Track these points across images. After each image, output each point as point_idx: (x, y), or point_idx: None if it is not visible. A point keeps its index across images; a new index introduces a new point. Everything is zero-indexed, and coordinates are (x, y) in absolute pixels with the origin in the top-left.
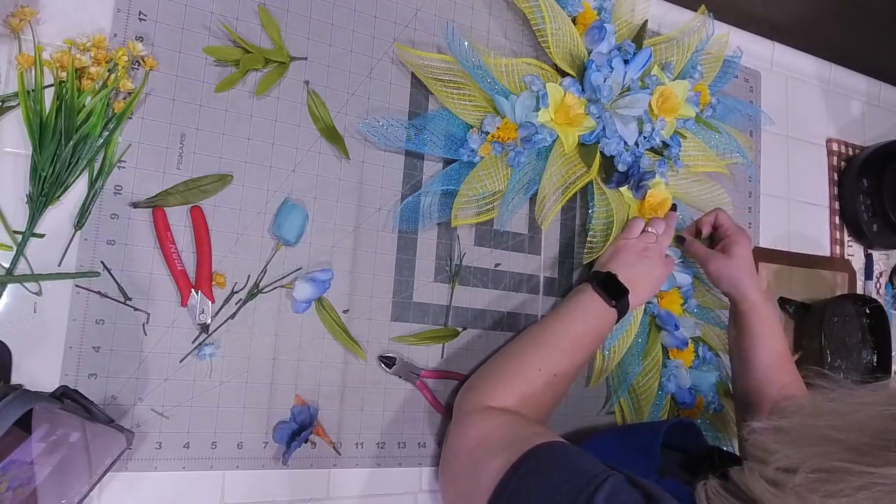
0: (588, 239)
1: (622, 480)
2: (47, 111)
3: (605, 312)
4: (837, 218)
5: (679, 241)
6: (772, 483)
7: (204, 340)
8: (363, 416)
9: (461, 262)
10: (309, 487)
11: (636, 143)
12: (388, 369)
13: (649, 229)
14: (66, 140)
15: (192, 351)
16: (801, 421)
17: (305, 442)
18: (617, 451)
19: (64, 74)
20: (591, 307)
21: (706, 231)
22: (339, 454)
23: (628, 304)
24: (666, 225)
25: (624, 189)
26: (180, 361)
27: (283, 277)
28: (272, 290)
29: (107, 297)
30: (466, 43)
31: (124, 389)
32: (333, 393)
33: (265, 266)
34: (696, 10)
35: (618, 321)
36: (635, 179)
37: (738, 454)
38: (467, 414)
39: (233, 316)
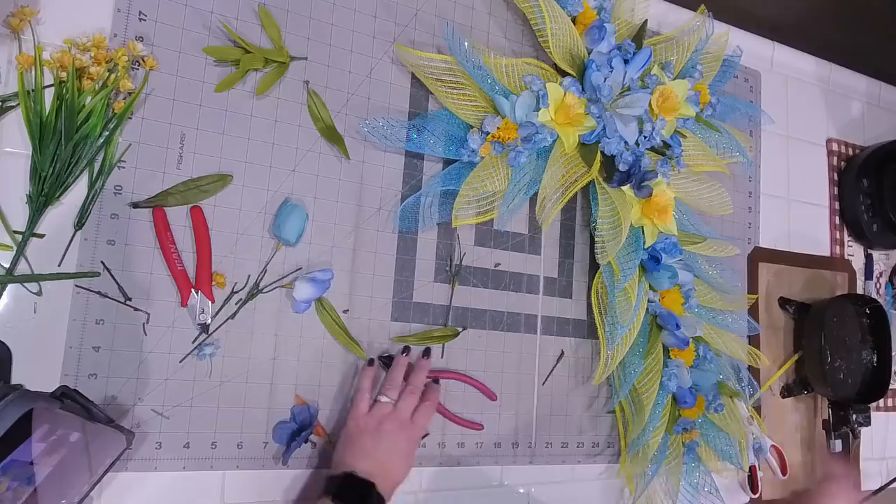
0: (596, 240)
1: None
2: (47, 111)
3: None
4: (837, 218)
5: None
6: None
7: (204, 340)
8: None
9: (461, 262)
10: (309, 487)
11: (637, 143)
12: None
13: (381, 398)
14: (66, 140)
15: (192, 351)
16: None
17: (305, 442)
18: None
19: (64, 74)
20: None
21: None
22: None
23: (380, 496)
24: (411, 384)
25: (626, 188)
26: (180, 361)
27: (283, 277)
28: (272, 290)
29: (107, 297)
30: (466, 43)
31: (124, 389)
32: (333, 393)
33: (265, 266)
34: (695, 10)
35: None
36: (637, 179)
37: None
38: None
39: (233, 316)
